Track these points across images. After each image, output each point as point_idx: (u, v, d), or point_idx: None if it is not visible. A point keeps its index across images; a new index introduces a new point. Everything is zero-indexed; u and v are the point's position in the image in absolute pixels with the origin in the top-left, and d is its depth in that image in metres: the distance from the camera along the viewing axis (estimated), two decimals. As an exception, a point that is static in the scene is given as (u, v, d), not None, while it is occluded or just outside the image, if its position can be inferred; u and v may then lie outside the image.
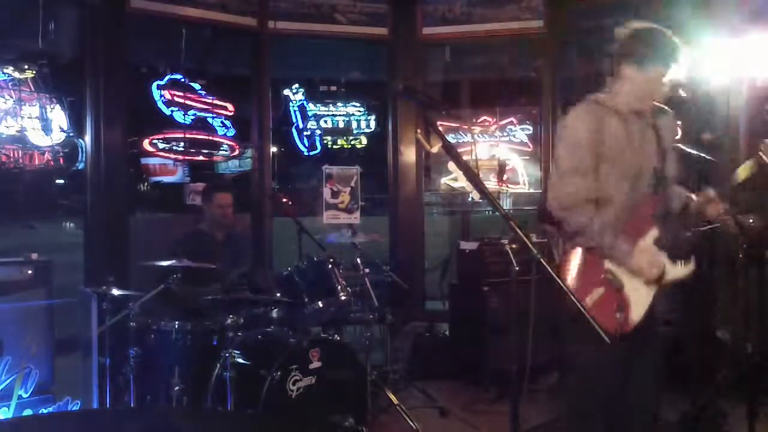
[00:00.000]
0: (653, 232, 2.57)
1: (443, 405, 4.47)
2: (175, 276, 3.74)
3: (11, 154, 4.74)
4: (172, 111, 5.59)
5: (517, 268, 2.42)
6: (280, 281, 4.11)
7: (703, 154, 3.89)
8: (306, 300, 3.94)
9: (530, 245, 1.85)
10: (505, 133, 6.21)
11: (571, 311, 1.86)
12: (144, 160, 5.90)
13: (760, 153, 2.63)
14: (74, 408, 3.46)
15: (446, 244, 7.19)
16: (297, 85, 6.93)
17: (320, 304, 3.95)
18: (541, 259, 1.83)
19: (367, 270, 4.59)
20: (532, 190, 6.07)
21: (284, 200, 4.96)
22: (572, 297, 1.84)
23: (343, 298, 4.01)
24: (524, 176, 6.15)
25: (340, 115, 7.20)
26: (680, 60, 2.55)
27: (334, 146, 7.11)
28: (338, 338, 4.14)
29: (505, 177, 5.93)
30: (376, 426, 4.04)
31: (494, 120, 6.22)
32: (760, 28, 4.49)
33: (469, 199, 6.17)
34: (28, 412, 3.33)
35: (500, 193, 5.91)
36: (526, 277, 2.45)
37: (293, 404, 3.44)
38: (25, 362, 3.37)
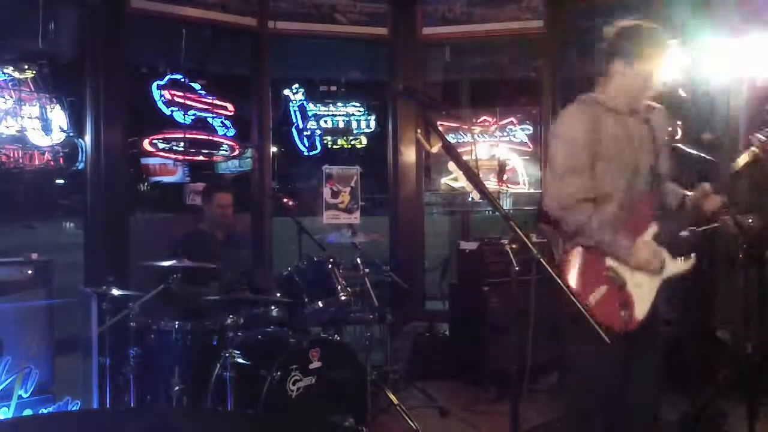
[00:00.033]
0: (652, 229, 2.57)
1: (443, 405, 4.47)
2: (175, 276, 3.74)
3: (11, 154, 4.74)
4: (172, 111, 5.58)
5: (517, 268, 2.42)
6: (280, 281, 4.11)
7: (703, 154, 3.89)
8: (306, 300, 3.94)
9: (530, 245, 1.85)
10: (505, 133, 6.21)
11: (571, 311, 1.86)
12: (144, 160, 5.90)
13: (753, 147, 2.64)
14: (74, 408, 3.45)
15: (446, 244, 7.19)
16: (297, 85, 6.93)
17: (320, 304, 3.95)
18: (541, 259, 1.83)
19: (367, 270, 4.59)
20: (532, 190, 6.07)
21: (285, 200, 4.96)
22: (572, 297, 1.84)
23: (343, 298, 4.01)
24: (524, 176, 6.15)
25: (340, 115, 7.20)
26: (669, 56, 2.56)
27: (334, 146, 7.11)
28: (338, 338, 4.15)
29: (505, 177, 5.92)
30: (376, 426, 4.04)
31: (494, 120, 6.22)
32: (760, 28, 4.49)
33: (469, 199, 6.17)
34: (28, 412, 3.33)
35: (500, 193, 5.91)
36: (526, 277, 2.45)
37: (293, 404, 3.44)
38: (25, 362, 3.36)
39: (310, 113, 6.96)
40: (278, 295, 4.01)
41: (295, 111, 6.89)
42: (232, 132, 5.93)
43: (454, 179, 6.09)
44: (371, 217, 6.90)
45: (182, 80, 5.66)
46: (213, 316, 3.77)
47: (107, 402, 3.54)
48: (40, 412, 3.36)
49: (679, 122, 4.77)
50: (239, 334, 3.63)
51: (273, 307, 4.05)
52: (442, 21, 6.03)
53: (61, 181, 5.79)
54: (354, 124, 7.22)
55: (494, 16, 5.92)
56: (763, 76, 4.62)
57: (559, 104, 5.75)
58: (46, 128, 4.84)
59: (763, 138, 2.60)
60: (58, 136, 4.90)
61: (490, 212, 5.71)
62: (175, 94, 5.59)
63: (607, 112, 2.56)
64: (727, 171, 2.70)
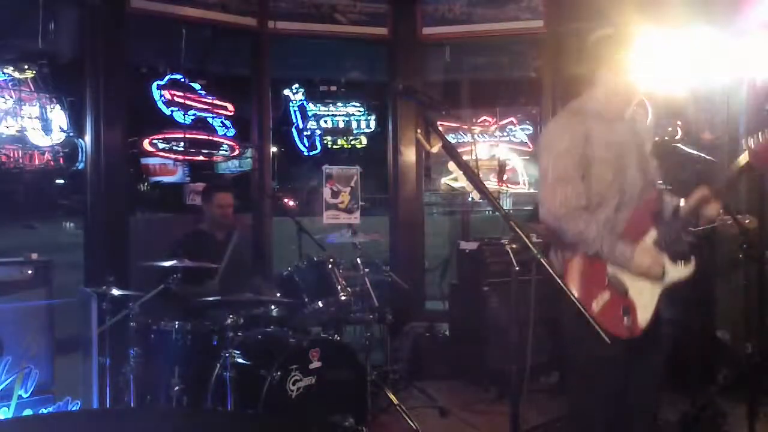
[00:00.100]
0: (652, 235, 2.57)
1: (443, 405, 4.47)
2: (175, 276, 3.74)
3: (11, 154, 4.74)
4: (172, 111, 5.58)
5: (517, 268, 2.41)
6: (280, 281, 4.11)
7: (703, 154, 3.90)
8: (306, 300, 3.95)
9: (530, 245, 1.85)
10: (505, 133, 6.21)
11: (571, 311, 1.86)
12: (144, 160, 5.89)
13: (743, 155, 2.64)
14: (74, 408, 3.45)
15: (446, 244, 7.19)
16: (297, 85, 6.92)
17: (320, 304, 3.96)
18: (541, 259, 1.83)
19: (367, 270, 4.59)
20: (532, 190, 6.06)
21: (285, 200, 4.97)
22: (572, 297, 1.84)
23: (343, 298, 4.02)
24: (524, 176, 6.15)
25: (340, 115, 7.19)
26: (648, 63, 2.57)
27: (334, 146, 7.10)
28: (338, 338, 4.14)
29: (505, 177, 5.92)
30: (376, 426, 4.04)
31: (494, 120, 6.22)
32: (760, 28, 4.49)
33: (469, 199, 6.17)
34: (28, 412, 3.33)
35: (500, 193, 5.91)
36: (526, 277, 2.44)
37: (293, 404, 3.44)
38: (25, 362, 3.36)
39: (310, 113, 6.95)
40: (278, 295, 4.01)
41: (295, 111, 6.88)
42: (232, 132, 5.92)
43: (454, 179, 6.09)
44: (371, 217, 6.90)
45: (182, 80, 5.66)
46: (213, 316, 3.77)
47: (107, 402, 3.54)
48: (40, 412, 3.36)
49: (679, 122, 4.77)
50: (239, 334, 3.63)
51: (273, 307, 4.05)
52: (442, 21, 6.02)
53: (61, 181, 5.79)
54: (354, 124, 7.21)
55: (494, 16, 5.92)
56: (763, 76, 4.62)
57: (559, 104, 5.75)
58: (46, 128, 4.84)
59: (752, 145, 2.60)
60: (58, 136, 4.90)
61: (490, 212, 5.72)
62: (175, 94, 5.58)
63: (594, 119, 2.57)
64: (727, 171, 2.70)
